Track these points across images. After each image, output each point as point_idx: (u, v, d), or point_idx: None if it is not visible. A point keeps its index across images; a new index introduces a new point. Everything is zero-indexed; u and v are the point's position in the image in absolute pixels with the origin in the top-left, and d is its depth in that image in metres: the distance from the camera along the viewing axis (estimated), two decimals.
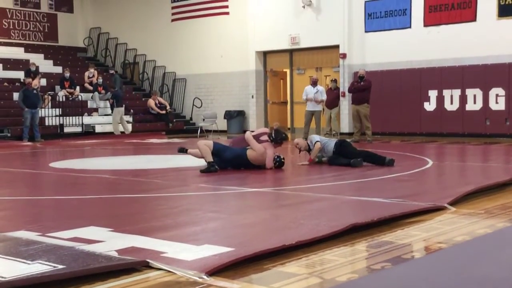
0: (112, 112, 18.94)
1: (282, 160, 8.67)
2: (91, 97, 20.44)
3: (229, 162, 8.58)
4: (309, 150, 9.27)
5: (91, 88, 20.84)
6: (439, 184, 7.43)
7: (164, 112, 20.57)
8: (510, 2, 15.67)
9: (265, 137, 8.77)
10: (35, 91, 17.11)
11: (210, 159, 8.35)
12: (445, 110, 16.69)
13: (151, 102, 20.71)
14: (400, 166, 8.74)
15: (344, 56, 18.20)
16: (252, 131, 9.38)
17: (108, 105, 20.00)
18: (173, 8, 22.65)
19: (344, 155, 8.98)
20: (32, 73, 19.09)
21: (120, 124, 18.81)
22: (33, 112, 16.67)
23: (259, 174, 8.22)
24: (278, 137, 8.70)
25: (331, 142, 9.24)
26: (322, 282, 3.36)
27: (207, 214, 5.31)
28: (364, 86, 14.79)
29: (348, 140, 10.23)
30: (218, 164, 8.38)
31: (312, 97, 15.39)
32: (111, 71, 22.34)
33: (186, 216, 5.22)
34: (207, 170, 8.22)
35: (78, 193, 6.74)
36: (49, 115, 18.25)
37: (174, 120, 21.08)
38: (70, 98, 19.44)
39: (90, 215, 5.28)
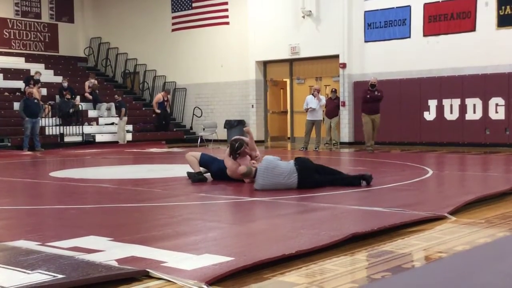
0: (119, 121, 19.30)
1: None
2: (95, 107, 20.50)
3: (215, 174, 8.49)
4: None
5: (91, 97, 20.88)
6: (439, 193, 7.42)
7: (159, 111, 20.72)
8: (510, 12, 15.73)
9: None
10: (36, 101, 17.13)
11: (197, 169, 8.38)
12: (445, 120, 16.71)
13: (158, 97, 20.88)
14: (400, 176, 8.75)
15: (344, 65, 18.23)
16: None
17: (110, 114, 20.08)
18: (173, 18, 22.72)
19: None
20: (33, 81, 19.06)
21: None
22: (33, 121, 16.69)
23: None
24: (233, 152, 8.08)
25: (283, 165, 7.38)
26: None
27: (207, 223, 5.30)
28: (380, 96, 14.72)
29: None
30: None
31: (314, 106, 15.38)
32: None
33: (186, 225, 5.21)
34: (197, 180, 8.23)
35: (78, 203, 6.74)
36: (49, 124, 18.27)
37: (173, 128, 21.20)
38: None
39: (90, 225, 5.28)
